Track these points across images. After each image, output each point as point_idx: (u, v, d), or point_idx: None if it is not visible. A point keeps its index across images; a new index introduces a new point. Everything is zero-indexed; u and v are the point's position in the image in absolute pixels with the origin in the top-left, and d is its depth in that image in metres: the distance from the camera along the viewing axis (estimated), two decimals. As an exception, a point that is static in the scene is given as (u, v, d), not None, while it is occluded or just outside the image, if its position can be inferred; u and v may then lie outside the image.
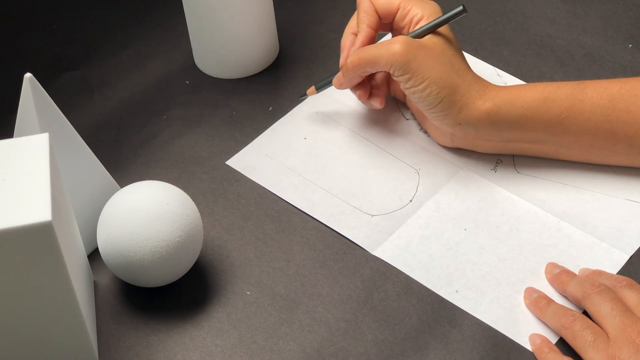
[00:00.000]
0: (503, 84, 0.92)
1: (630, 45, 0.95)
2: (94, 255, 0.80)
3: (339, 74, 0.85)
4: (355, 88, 0.86)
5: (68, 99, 0.92)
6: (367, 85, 0.86)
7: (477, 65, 0.93)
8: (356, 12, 0.86)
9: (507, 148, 0.84)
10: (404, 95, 0.89)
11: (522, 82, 0.92)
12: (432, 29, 0.82)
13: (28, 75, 0.70)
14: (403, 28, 0.85)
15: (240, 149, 0.88)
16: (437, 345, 0.74)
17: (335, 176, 0.85)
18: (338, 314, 0.76)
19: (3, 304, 0.67)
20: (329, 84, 0.88)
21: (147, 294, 0.78)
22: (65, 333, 0.70)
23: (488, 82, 0.82)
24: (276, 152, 0.87)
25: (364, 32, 0.84)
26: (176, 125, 0.90)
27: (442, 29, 0.82)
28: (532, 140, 0.82)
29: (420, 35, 0.82)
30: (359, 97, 0.86)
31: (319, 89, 0.89)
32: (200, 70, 0.95)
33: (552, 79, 0.92)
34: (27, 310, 0.68)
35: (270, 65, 0.95)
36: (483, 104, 0.80)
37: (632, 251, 0.79)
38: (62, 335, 0.70)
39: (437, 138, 0.86)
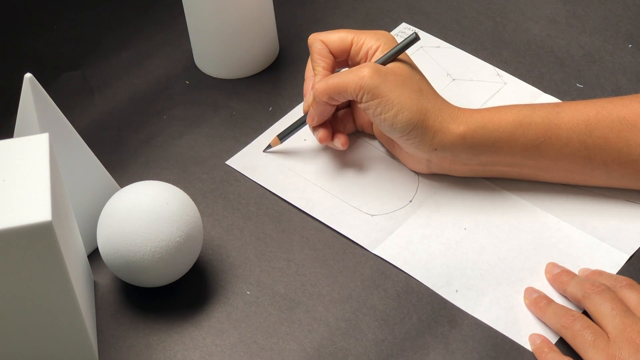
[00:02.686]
0: (503, 84, 0.92)
1: (630, 45, 0.95)
2: (94, 255, 0.80)
3: (310, 111, 0.83)
4: (317, 130, 0.84)
5: (68, 99, 0.92)
6: (329, 127, 0.84)
7: (477, 65, 0.93)
8: (310, 56, 0.85)
9: (485, 171, 0.82)
10: (371, 127, 0.87)
11: (522, 82, 0.92)
12: (393, 57, 0.80)
13: (28, 75, 0.70)
14: (359, 62, 0.83)
15: (240, 149, 0.88)
16: (437, 345, 0.74)
17: (335, 176, 0.85)
18: (338, 313, 0.76)
19: (3, 304, 0.67)
20: (294, 129, 0.86)
21: (147, 294, 0.78)
22: (65, 333, 0.70)
23: (457, 106, 0.80)
24: (276, 152, 0.87)
25: (320, 75, 0.83)
26: (176, 125, 0.90)
27: (404, 57, 0.81)
28: (509, 164, 0.81)
29: (383, 63, 0.80)
30: (321, 141, 0.84)
31: (282, 138, 0.86)
32: (200, 70, 0.95)
33: (552, 79, 0.92)
34: (27, 310, 0.68)
35: (270, 65, 0.95)
36: (457, 128, 0.78)
37: (632, 251, 0.79)
38: (62, 335, 0.70)
39: (412, 166, 0.84)
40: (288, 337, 0.75)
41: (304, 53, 0.96)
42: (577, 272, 0.77)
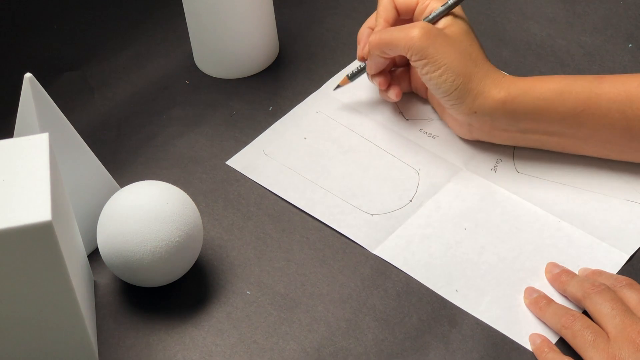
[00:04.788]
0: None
1: (630, 45, 0.95)
2: (94, 255, 0.80)
3: (368, 61, 0.86)
4: (376, 77, 0.87)
5: (68, 99, 0.92)
6: (387, 76, 0.87)
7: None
8: (377, 6, 0.87)
9: (524, 139, 0.84)
10: (425, 90, 0.90)
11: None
12: (446, 12, 0.83)
13: (28, 75, 0.70)
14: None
15: (240, 149, 0.88)
16: (437, 345, 0.74)
17: (335, 176, 0.85)
18: (338, 313, 0.76)
19: (3, 303, 0.67)
20: (361, 71, 0.89)
21: (147, 294, 0.78)
22: (65, 333, 0.70)
23: (505, 73, 0.82)
24: (276, 152, 0.87)
25: (381, 26, 0.86)
26: (176, 125, 0.90)
27: (461, 20, 0.83)
28: (548, 132, 0.82)
29: (436, 18, 0.83)
30: (379, 85, 0.87)
31: (352, 77, 0.90)
32: (200, 70, 0.95)
33: (552, 78, 0.92)
34: (27, 310, 0.68)
35: (270, 65, 0.95)
36: (498, 93, 0.80)
37: (632, 251, 0.79)
38: (62, 335, 0.70)
39: (456, 130, 0.87)
40: (288, 337, 0.75)
41: (304, 53, 0.96)
42: (577, 272, 0.77)
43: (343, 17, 0.99)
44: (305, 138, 0.88)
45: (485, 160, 0.86)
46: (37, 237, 0.63)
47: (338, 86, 0.91)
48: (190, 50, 0.95)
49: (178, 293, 0.78)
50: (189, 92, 0.93)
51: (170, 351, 0.74)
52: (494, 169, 0.85)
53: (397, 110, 0.90)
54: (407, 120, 0.89)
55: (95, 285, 0.79)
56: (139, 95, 0.93)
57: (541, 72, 0.93)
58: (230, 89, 0.93)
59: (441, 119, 0.89)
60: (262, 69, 0.94)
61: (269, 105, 0.91)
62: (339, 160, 0.87)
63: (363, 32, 0.88)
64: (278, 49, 0.96)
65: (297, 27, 0.99)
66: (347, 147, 0.88)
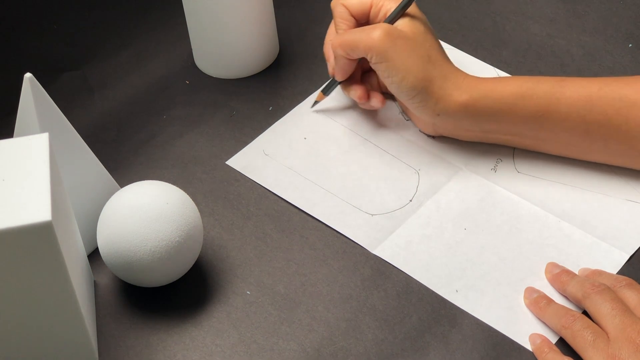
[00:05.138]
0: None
1: (630, 45, 0.95)
2: (94, 255, 0.80)
3: (332, 65, 0.86)
4: (354, 90, 0.86)
5: (68, 99, 0.92)
6: (362, 85, 0.87)
7: (477, 66, 0.93)
8: (332, 20, 0.87)
9: (487, 138, 0.84)
10: None
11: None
12: (402, 12, 0.82)
13: (28, 75, 0.70)
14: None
15: (240, 149, 0.88)
16: (437, 345, 0.74)
17: (335, 176, 0.85)
18: (338, 313, 0.76)
19: (3, 304, 0.67)
20: (333, 84, 0.88)
21: (147, 294, 0.78)
22: (65, 333, 0.70)
23: (466, 73, 0.82)
24: (276, 152, 0.87)
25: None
26: (176, 125, 0.90)
27: (418, 20, 0.83)
28: (510, 133, 0.83)
29: (394, 19, 0.83)
30: (359, 99, 0.86)
31: (325, 92, 0.89)
32: (200, 70, 0.95)
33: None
34: (27, 310, 0.68)
35: (270, 65, 0.95)
36: (459, 96, 0.81)
37: (632, 251, 0.79)
38: (62, 335, 0.70)
39: (421, 127, 0.87)
40: (288, 337, 0.75)
41: (304, 53, 0.96)
42: (577, 272, 0.77)
43: (343, 17, 0.99)
44: (305, 138, 0.88)
45: (485, 160, 0.86)
46: (37, 237, 0.63)
47: (316, 102, 0.90)
48: (190, 50, 0.95)
49: (178, 293, 0.78)
50: (189, 92, 0.93)
51: (170, 351, 0.74)
52: (494, 169, 0.85)
53: (397, 110, 0.90)
54: (407, 120, 0.89)
55: (95, 285, 0.79)
56: (139, 95, 0.93)
57: (541, 72, 0.93)
58: (230, 89, 0.93)
59: (406, 116, 0.89)
60: (262, 69, 0.94)
61: (269, 105, 0.91)
62: (339, 160, 0.87)
63: (328, 47, 0.87)
64: (278, 49, 0.96)
65: (297, 27, 0.99)
66: (347, 147, 0.88)
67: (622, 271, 0.78)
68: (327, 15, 0.99)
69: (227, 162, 0.87)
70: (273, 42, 0.94)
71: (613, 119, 0.79)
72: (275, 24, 0.94)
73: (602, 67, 0.93)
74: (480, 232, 0.81)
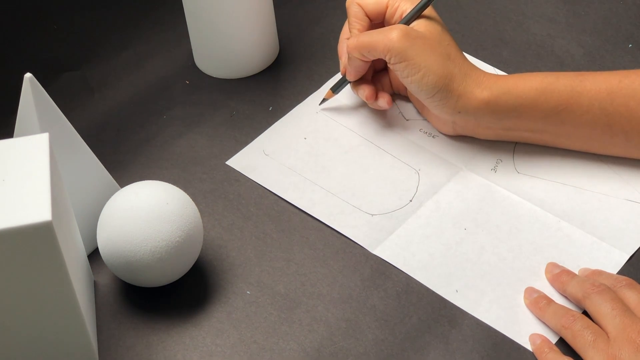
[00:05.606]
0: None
1: (630, 45, 0.95)
2: (94, 255, 0.80)
3: (347, 67, 0.86)
4: (362, 89, 0.87)
5: (68, 99, 0.92)
6: (372, 86, 0.87)
7: (477, 66, 0.93)
8: (347, 19, 0.87)
9: (508, 136, 0.84)
10: (405, 89, 0.89)
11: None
12: (419, 12, 0.82)
13: (28, 75, 0.70)
14: (395, 24, 0.85)
15: (240, 149, 0.88)
16: (437, 345, 0.74)
17: (335, 176, 0.85)
18: (338, 313, 0.76)
19: (3, 304, 0.67)
20: (343, 82, 0.88)
21: (147, 294, 0.78)
22: (65, 333, 0.70)
23: (484, 71, 0.82)
24: (276, 152, 0.87)
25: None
26: (176, 125, 0.90)
27: (434, 21, 0.83)
28: (531, 129, 0.83)
29: (410, 20, 0.83)
30: (367, 99, 0.86)
31: (335, 90, 0.89)
32: (200, 70, 0.95)
33: (552, 78, 0.92)
34: (27, 310, 0.68)
35: (270, 65, 0.95)
36: (481, 93, 0.81)
37: (632, 251, 0.79)
38: (62, 335, 0.70)
39: (439, 127, 0.87)
40: (288, 337, 0.75)
41: (304, 53, 0.96)
42: (577, 272, 0.77)
43: (343, 17, 0.99)
44: (305, 138, 0.88)
45: (485, 160, 0.86)
46: (37, 237, 0.63)
47: (324, 100, 0.90)
48: (190, 50, 0.95)
49: (178, 293, 0.78)
50: (189, 92, 0.93)
51: (170, 351, 0.74)
52: (494, 169, 0.85)
53: (397, 110, 0.90)
54: (407, 120, 0.89)
55: (95, 285, 0.79)
56: (139, 95, 0.93)
57: (541, 72, 0.93)
58: (230, 89, 0.93)
59: (423, 116, 0.89)
60: (262, 69, 0.94)
61: (269, 105, 0.91)
62: (339, 160, 0.87)
63: (342, 46, 0.88)
64: (278, 49, 0.96)
65: (297, 27, 0.99)
66: (347, 147, 0.88)
67: (622, 271, 0.78)
68: (327, 15, 1.00)
69: (227, 162, 0.87)
70: (273, 42, 0.94)
71: (635, 110, 0.79)
72: (275, 24, 0.94)
73: (602, 67, 0.93)
74: (480, 232, 0.81)
